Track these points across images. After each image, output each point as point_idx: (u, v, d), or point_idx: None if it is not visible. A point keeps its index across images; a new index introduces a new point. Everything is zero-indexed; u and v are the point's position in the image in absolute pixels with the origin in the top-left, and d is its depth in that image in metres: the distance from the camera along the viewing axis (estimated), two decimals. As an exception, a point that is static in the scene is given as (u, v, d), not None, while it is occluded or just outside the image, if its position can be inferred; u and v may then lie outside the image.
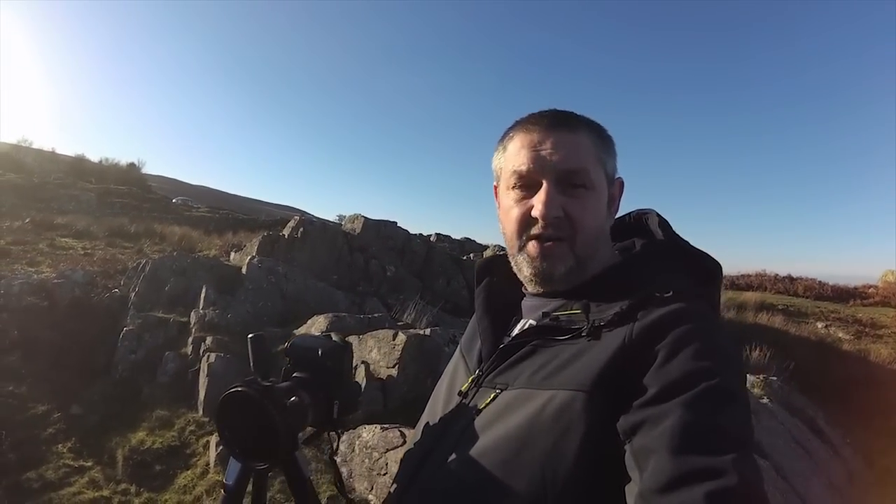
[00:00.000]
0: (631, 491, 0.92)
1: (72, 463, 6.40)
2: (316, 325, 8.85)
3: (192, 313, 9.43)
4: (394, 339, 7.27)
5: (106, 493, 5.90)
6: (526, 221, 1.22)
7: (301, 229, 14.12)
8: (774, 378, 9.19)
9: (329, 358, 1.38)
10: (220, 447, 6.06)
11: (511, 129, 1.30)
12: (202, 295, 9.93)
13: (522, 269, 1.27)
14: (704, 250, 1.25)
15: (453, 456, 1.15)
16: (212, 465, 6.10)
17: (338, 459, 1.43)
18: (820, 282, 23.62)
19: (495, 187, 1.35)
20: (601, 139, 1.26)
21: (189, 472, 6.15)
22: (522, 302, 1.35)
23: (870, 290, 23.21)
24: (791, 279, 23.79)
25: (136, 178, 29.75)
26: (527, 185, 1.22)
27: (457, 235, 23.54)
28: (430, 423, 1.33)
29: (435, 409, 1.35)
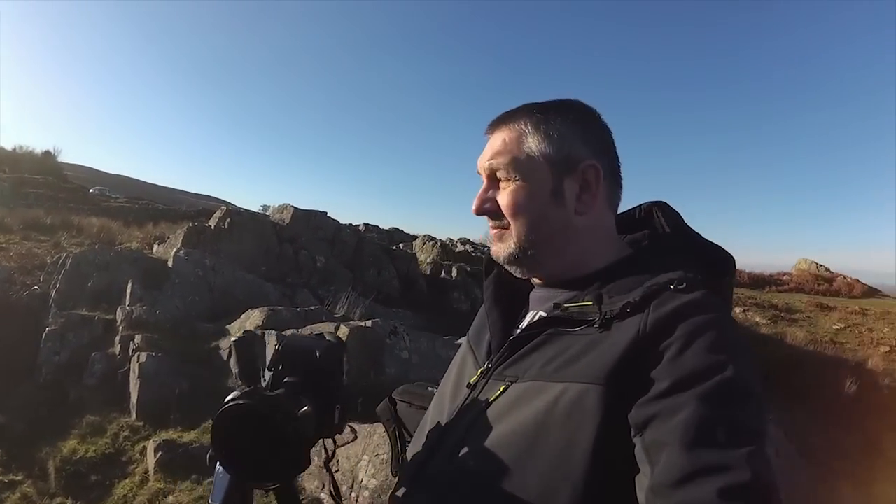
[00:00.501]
0: (641, 484, 0.92)
1: (0, 478, 6.08)
2: (251, 320, 8.68)
3: (119, 310, 9.10)
4: (335, 332, 7.16)
5: (40, 508, 5.62)
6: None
7: (228, 220, 13.80)
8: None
9: (328, 360, 1.29)
10: (160, 453, 5.87)
11: None
12: (128, 290, 9.62)
13: None
14: (716, 242, 1.26)
15: (463, 450, 1.14)
16: (151, 472, 5.88)
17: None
18: (737, 269, 24.74)
19: None
20: (542, 126, 1.26)
21: (127, 480, 5.92)
22: (531, 293, 1.35)
23: (784, 277, 24.29)
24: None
25: (52, 167, 28.45)
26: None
27: (385, 225, 23.39)
28: (437, 417, 1.31)
29: (442, 403, 1.34)
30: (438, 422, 1.29)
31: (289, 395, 1.21)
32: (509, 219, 1.25)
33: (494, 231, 1.30)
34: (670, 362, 0.97)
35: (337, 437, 1.36)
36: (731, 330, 1.05)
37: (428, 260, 17.82)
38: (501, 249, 1.29)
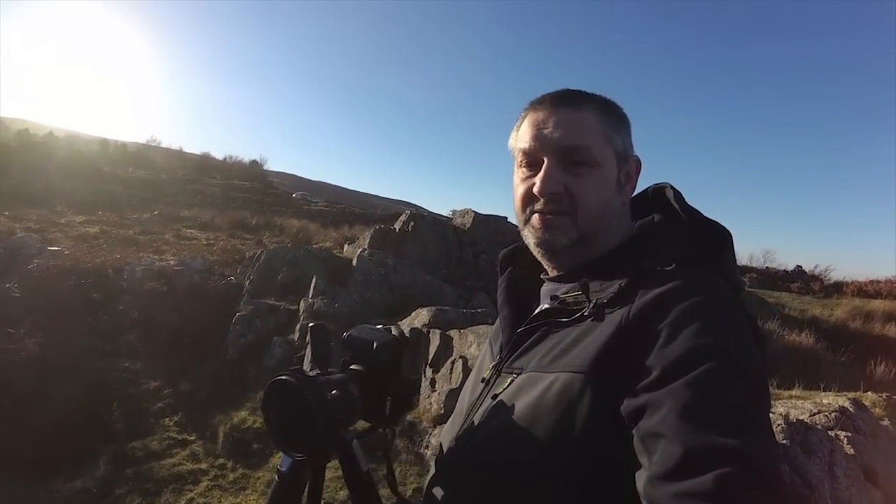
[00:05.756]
0: (640, 475, 0.91)
1: (175, 436, 6.75)
2: (419, 318, 8.86)
3: (302, 302, 9.70)
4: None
5: (204, 465, 6.18)
6: (529, 197, 1.23)
7: (412, 223, 14.27)
8: (900, 397, 8.50)
9: (384, 352, 1.35)
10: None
11: (524, 109, 1.31)
12: (312, 284, 10.17)
13: (529, 240, 1.28)
14: (714, 219, 1.22)
15: (474, 439, 1.19)
16: (303, 448, 6.27)
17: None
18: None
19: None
20: (610, 116, 1.25)
21: (282, 452, 6.31)
22: (542, 288, 1.34)
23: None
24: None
25: (259, 174, 31.15)
26: (531, 162, 1.24)
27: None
28: (459, 410, 1.36)
29: (464, 398, 1.38)
30: (459, 414, 1.34)
31: (337, 378, 1.27)
32: (581, 205, 1.19)
33: (547, 217, 1.21)
34: (659, 350, 0.96)
35: (397, 427, 1.41)
36: (724, 310, 1.03)
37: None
38: (558, 237, 1.21)
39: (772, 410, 3.63)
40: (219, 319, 9.47)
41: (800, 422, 3.56)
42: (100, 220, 16.42)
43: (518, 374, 1.17)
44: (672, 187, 1.29)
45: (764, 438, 0.87)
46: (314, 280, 10.27)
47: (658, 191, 1.32)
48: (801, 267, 28.10)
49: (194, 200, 21.15)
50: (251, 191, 25.57)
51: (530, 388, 1.10)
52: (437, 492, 1.23)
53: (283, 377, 1.18)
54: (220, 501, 5.69)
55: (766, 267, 28.20)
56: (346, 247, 14.95)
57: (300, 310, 9.52)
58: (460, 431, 1.25)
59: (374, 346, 1.34)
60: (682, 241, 1.17)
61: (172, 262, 11.46)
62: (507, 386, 1.17)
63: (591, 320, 1.09)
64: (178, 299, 9.89)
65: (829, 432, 3.62)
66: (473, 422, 1.22)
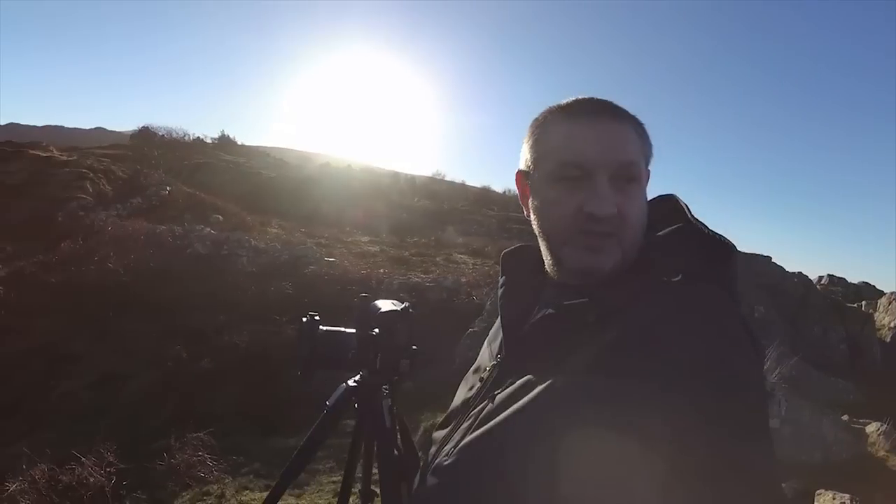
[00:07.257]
0: (637, 483, 0.89)
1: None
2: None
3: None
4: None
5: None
6: (575, 217, 1.12)
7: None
8: None
9: (380, 319, 1.67)
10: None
11: (549, 115, 1.22)
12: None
13: (566, 263, 1.17)
14: (718, 232, 1.16)
15: (466, 439, 1.16)
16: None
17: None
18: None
19: (521, 173, 1.27)
20: (642, 130, 1.20)
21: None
22: (543, 291, 1.27)
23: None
24: None
25: (534, 207, 31.93)
26: (575, 176, 1.13)
27: (853, 278, 20.15)
28: (454, 409, 1.34)
29: (459, 397, 1.37)
30: (454, 412, 1.32)
31: (339, 329, 1.77)
32: (629, 226, 1.13)
33: (597, 240, 1.12)
34: (662, 359, 0.94)
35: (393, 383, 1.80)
36: (725, 322, 1.02)
37: (892, 324, 15.02)
38: (605, 261, 1.11)
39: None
40: (455, 332, 10.38)
41: None
42: (381, 241, 18.42)
43: (518, 377, 1.13)
44: (679, 199, 1.25)
45: (763, 450, 0.89)
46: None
47: (662, 202, 1.27)
48: None
49: (470, 229, 22.44)
50: (526, 222, 25.68)
51: (525, 392, 1.07)
52: (431, 492, 1.22)
53: (303, 318, 1.70)
54: (394, 477, 6.35)
55: None
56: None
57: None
58: (455, 432, 1.22)
59: (375, 314, 1.67)
60: (688, 253, 1.12)
61: (426, 279, 12.58)
62: (506, 388, 1.14)
63: (595, 327, 1.05)
64: (424, 311, 10.85)
65: None
66: (469, 422, 1.19)
